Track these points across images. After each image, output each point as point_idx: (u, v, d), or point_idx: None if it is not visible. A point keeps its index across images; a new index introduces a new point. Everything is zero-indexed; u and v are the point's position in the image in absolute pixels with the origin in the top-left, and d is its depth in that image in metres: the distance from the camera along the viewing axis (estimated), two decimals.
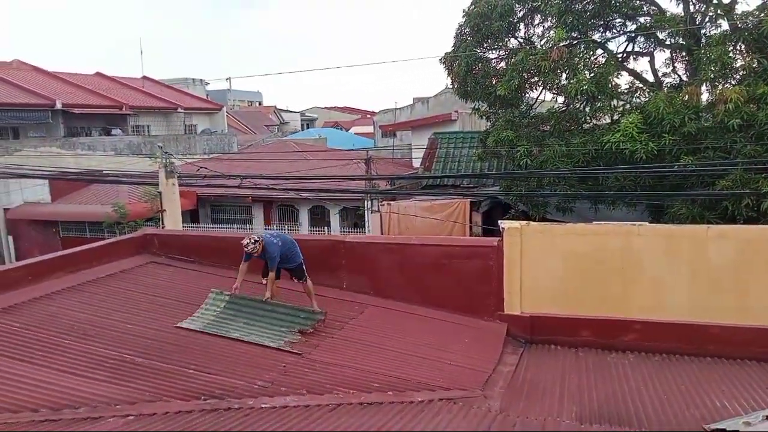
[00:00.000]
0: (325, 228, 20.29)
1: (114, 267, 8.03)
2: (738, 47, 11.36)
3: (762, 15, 10.68)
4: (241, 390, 5.19)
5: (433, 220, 15.54)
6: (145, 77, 37.07)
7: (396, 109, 32.75)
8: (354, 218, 20.70)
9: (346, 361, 6.16)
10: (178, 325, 6.46)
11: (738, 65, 11.11)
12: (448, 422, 5.05)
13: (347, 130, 44.07)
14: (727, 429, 5.26)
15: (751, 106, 9.99)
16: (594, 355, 7.40)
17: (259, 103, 57.64)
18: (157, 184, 13.31)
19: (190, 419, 4.65)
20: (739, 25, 11.27)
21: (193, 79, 42.63)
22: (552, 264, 7.93)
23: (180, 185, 13.70)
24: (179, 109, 34.37)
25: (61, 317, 6.31)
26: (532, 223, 8.52)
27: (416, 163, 22.58)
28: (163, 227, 12.61)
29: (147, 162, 19.36)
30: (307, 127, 50.53)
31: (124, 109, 30.68)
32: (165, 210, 12.70)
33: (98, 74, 36.04)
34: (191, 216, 21.95)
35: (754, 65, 10.69)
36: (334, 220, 20.80)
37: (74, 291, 7.09)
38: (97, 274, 7.66)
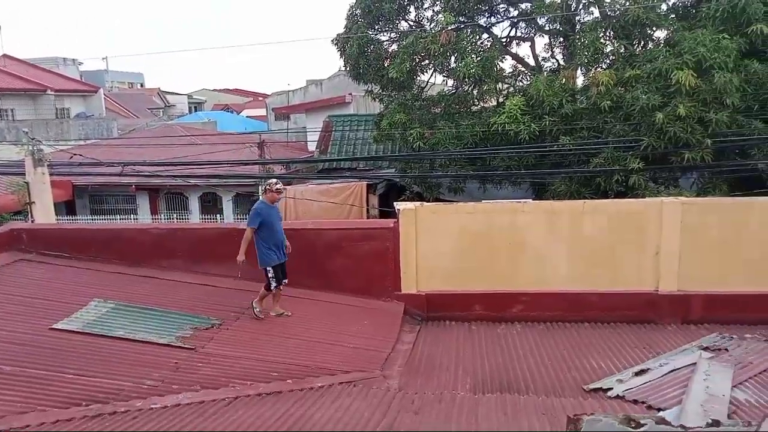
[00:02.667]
0: (218, 216, 19.54)
1: None
2: (608, 34, 12.22)
3: (627, 4, 11.57)
4: (128, 391, 4.88)
5: (330, 203, 15.47)
6: (5, 56, 33.40)
7: (289, 91, 32.10)
8: (249, 204, 20.11)
9: (243, 353, 6.00)
10: (53, 326, 5.93)
11: (608, 50, 11.96)
12: (349, 405, 5.07)
13: (238, 113, 42.58)
14: (603, 387, 5.75)
15: (620, 88, 10.81)
16: (485, 328, 7.76)
17: (141, 85, 53.97)
18: (24, 174, 12.08)
19: (70, 428, 4.30)
20: (609, 13, 12.15)
21: (64, 58, 39.07)
22: (445, 243, 8.17)
23: (52, 174, 12.54)
24: (49, 91, 31.39)
25: None
26: (426, 204, 8.72)
27: (311, 147, 22.31)
28: (32, 221, 11.50)
29: (14, 150, 17.53)
30: (195, 110, 48.18)
31: None
32: (34, 202, 11.57)
33: None
34: (67, 208, 20.24)
35: (622, 51, 11.57)
36: (227, 207, 20.08)
37: None
38: None
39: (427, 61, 13.99)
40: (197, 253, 8.26)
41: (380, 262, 8.12)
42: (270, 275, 6.94)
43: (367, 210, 15.93)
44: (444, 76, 14.65)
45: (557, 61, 14.45)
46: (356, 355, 6.34)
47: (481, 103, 14.13)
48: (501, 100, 13.25)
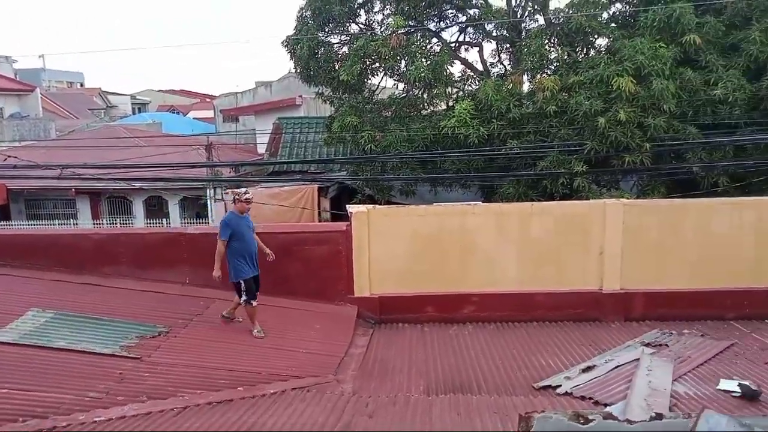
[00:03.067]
0: (164, 220, 18.97)
1: None
2: (552, 41, 12.58)
3: (570, 12, 11.95)
4: (69, 405, 4.66)
5: (281, 207, 15.27)
6: None
7: (238, 93, 31.55)
8: (196, 208, 19.63)
9: (192, 361, 5.83)
10: None
11: (553, 57, 12.31)
12: (302, 411, 5.01)
13: (185, 115, 41.52)
14: (552, 384, 5.90)
15: (564, 94, 11.14)
16: (438, 329, 7.83)
17: (81, 85, 51.82)
18: None
19: None
20: (553, 21, 12.52)
21: None
22: (398, 245, 8.20)
23: None
24: None
25: None
26: (378, 207, 8.73)
27: (261, 149, 21.99)
28: None
29: None
30: (139, 112, 46.70)
31: None
32: None
33: None
34: (1, 212, 19.22)
35: (566, 57, 11.93)
36: (174, 211, 19.53)
37: None
38: None
39: (377, 65, 14.01)
40: (142, 258, 7.99)
41: (333, 266, 8.08)
42: (242, 288, 6.69)
43: (319, 213, 15.82)
44: (395, 79, 14.72)
45: (504, 66, 14.76)
46: (309, 360, 6.28)
47: (432, 107, 14.27)
48: (451, 104, 13.42)
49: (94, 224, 18.91)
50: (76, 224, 18.76)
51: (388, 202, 13.17)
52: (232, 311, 6.96)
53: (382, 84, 15.40)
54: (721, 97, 10.14)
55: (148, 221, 18.96)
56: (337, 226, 8.43)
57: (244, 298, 6.68)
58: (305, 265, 8.00)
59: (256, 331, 6.67)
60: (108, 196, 19.92)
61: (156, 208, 20.06)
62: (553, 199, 10.33)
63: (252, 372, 5.70)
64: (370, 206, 8.49)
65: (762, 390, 5.44)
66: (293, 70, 16.74)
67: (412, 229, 8.25)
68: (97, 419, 4.51)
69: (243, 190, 7.08)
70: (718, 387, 5.68)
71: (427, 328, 7.91)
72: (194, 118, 37.72)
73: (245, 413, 4.87)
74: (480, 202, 9.57)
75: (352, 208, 8.25)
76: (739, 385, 5.48)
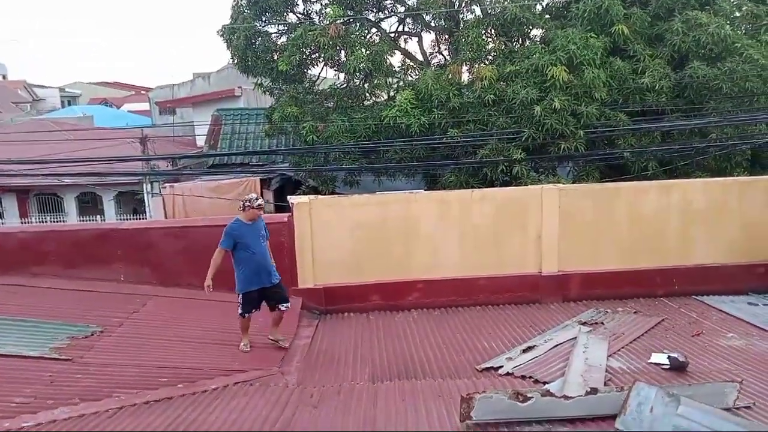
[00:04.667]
0: (99, 217, 18.19)
1: None
2: (489, 31, 12.77)
3: (506, 3, 12.17)
4: None
5: (223, 200, 14.91)
6: None
7: (174, 84, 30.51)
8: (133, 204, 18.92)
9: (129, 360, 5.62)
10: None
11: (490, 47, 12.51)
12: (245, 405, 4.91)
13: (119, 108, 39.85)
14: (494, 366, 6.03)
15: (501, 83, 11.35)
16: (383, 317, 7.87)
17: (3, 77, 48.85)
18: None
19: None
20: (489, 11, 12.71)
21: None
22: (341, 235, 8.17)
23: None
24: None
25: None
26: (320, 197, 8.66)
27: (200, 142, 21.39)
28: None
29: None
30: (69, 105, 44.46)
31: None
32: None
33: None
34: None
35: (502, 47, 12.16)
36: (109, 207, 18.75)
37: None
38: None
39: (317, 55, 13.86)
40: (73, 256, 7.64)
41: (275, 258, 7.94)
42: (239, 300, 6.25)
43: None
44: (335, 70, 14.60)
45: (444, 56, 14.90)
46: (253, 353, 6.17)
47: (373, 98, 14.25)
48: (392, 94, 13.44)
49: (22, 223, 17.92)
50: (2, 223, 17.72)
51: (332, 193, 13.09)
52: (275, 330, 6.47)
53: (323, 74, 15.26)
54: (648, 85, 10.59)
55: (82, 218, 18.14)
56: (278, 218, 8.31)
57: (239, 311, 6.24)
58: None
59: (243, 344, 6.23)
60: (36, 193, 18.91)
61: (90, 204, 19.22)
62: (494, 186, 10.54)
63: (193, 368, 5.55)
64: (312, 197, 8.41)
65: (689, 361, 5.74)
66: (231, 61, 16.34)
67: (355, 218, 8.23)
68: (24, 425, 4.27)
69: (254, 195, 6.44)
70: (649, 360, 5.95)
71: (372, 317, 7.93)
72: (129, 111, 36.26)
73: (185, 411, 4.73)
74: (422, 191, 9.66)
75: (293, 199, 8.16)
76: (669, 357, 5.76)
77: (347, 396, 5.24)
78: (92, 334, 5.96)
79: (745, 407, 4.67)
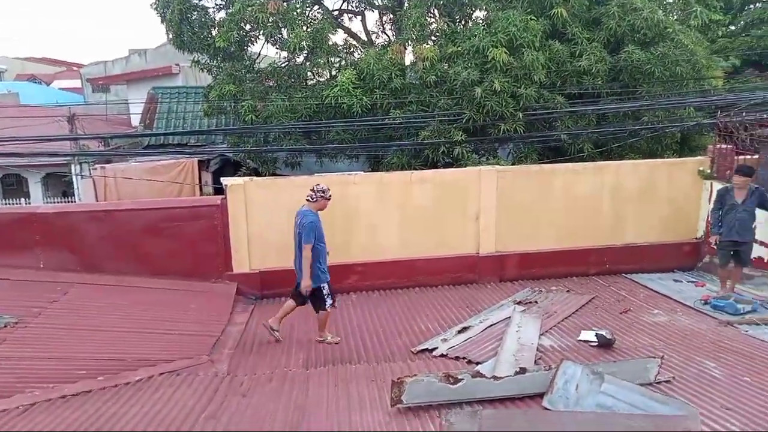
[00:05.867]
0: (24, 200, 17.18)
1: None
2: (432, 11, 12.64)
3: None
4: None
5: (159, 183, 14.31)
6: None
7: (108, 61, 29.04)
8: (62, 186, 17.97)
9: (45, 352, 5.30)
10: None
11: (433, 27, 12.38)
12: (170, 396, 4.72)
13: (48, 85, 37.67)
14: (429, 348, 6.04)
15: (444, 64, 11.28)
16: None
17: None
18: None
19: None
20: None
21: None
22: (279, 218, 7.95)
23: None
24: None
25: None
26: (256, 178, 8.41)
27: (135, 121, 20.48)
28: None
29: None
30: None
31: None
32: None
33: None
34: None
35: (445, 28, 12.07)
36: (36, 189, 17.73)
37: None
38: None
39: (257, 32, 13.40)
40: None
41: (208, 242, 7.70)
42: (325, 293, 6.22)
43: (201, 188, 15.05)
44: (277, 47, 14.17)
45: (388, 36, 14.70)
46: (181, 342, 5.94)
47: (317, 77, 13.93)
48: (334, 73, 13.17)
49: None
50: None
51: (273, 175, 12.79)
52: (278, 322, 6.40)
53: (264, 52, 14.80)
54: (585, 68, 10.74)
55: (6, 201, 17.10)
56: (212, 200, 8.03)
57: (329, 302, 6.23)
58: (178, 242, 7.55)
59: (332, 337, 6.32)
60: None
61: (14, 187, 18.14)
62: (437, 168, 10.51)
63: (116, 359, 5.29)
64: (247, 178, 8.15)
65: (615, 338, 5.91)
66: (167, 36, 15.61)
67: (293, 200, 7.97)
68: None
69: (324, 185, 6.37)
70: (579, 338, 6.10)
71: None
72: (59, 89, 34.34)
73: (104, 404, 4.50)
74: (361, 172, 9.53)
75: (226, 181, 7.88)
76: (596, 335, 5.91)
77: (279, 383, 5.12)
78: (5, 326, 5.58)
79: (665, 381, 4.84)
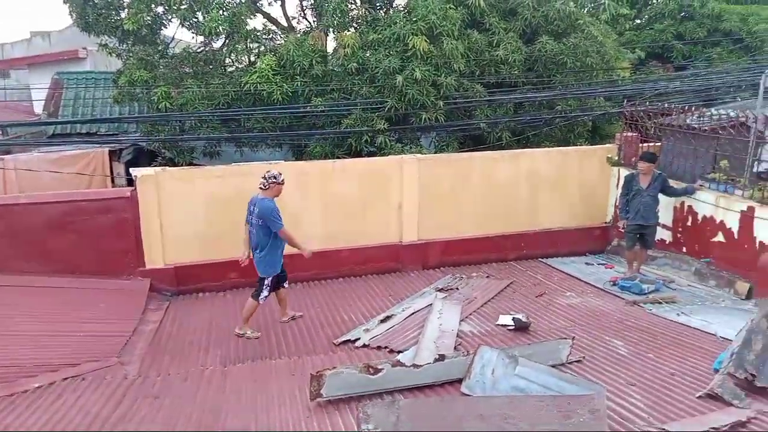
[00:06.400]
0: None
1: None
2: None
3: None
4: None
5: (67, 175, 13.39)
6: None
7: (6, 43, 26.85)
8: None
9: None
10: None
11: (354, 14, 12.25)
12: (73, 402, 4.43)
13: None
14: (351, 338, 6.00)
15: (365, 52, 11.19)
16: (242, 295, 7.53)
17: None
18: None
19: None
20: None
21: None
22: (195, 209, 7.67)
23: None
24: None
25: None
26: (168, 168, 8.03)
27: (38, 108, 19.05)
28: None
29: None
30: None
31: None
32: None
33: None
34: None
35: (366, 14, 11.97)
36: None
37: None
38: None
39: (170, 14, 12.76)
40: None
41: (118, 237, 7.29)
42: (266, 284, 6.24)
43: (113, 179, 14.23)
44: (193, 32, 13.57)
45: (309, 22, 14.41)
46: (89, 344, 5.60)
47: (236, 63, 13.47)
48: (253, 59, 12.78)
49: None
50: None
51: (191, 165, 12.29)
52: (285, 311, 6.61)
53: (179, 36, 14.14)
54: (502, 57, 10.97)
55: None
56: (120, 192, 7.61)
57: (264, 294, 6.21)
58: (84, 237, 7.11)
59: (251, 332, 6.22)
60: None
61: None
62: (361, 157, 10.44)
63: (11, 366, 4.90)
64: (159, 169, 7.77)
65: (531, 321, 6.11)
66: (70, 17, 14.58)
67: (210, 191, 7.75)
68: None
69: (276, 171, 6.36)
70: (497, 323, 6.26)
71: (230, 296, 7.59)
72: None
73: None
74: (282, 161, 9.31)
75: (136, 172, 7.48)
76: (513, 318, 6.08)
77: (194, 383, 4.93)
78: None
79: (576, 361, 5.05)
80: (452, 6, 11.00)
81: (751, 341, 4.47)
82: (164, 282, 7.45)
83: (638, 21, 16.58)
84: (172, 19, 12.96)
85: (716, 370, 4.57)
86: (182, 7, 11.77)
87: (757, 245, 6.93)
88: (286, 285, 6.62)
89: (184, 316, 6.75)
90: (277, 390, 4.70)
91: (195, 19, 12.85)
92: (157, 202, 7.39)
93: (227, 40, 12.63)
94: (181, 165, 12.01)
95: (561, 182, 9.07)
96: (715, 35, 14.72)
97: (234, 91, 11.56)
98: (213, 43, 12.84)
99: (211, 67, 12.78)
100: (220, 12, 11.96)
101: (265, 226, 6.16)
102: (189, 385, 4.87)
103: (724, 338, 5.37)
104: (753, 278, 6.82)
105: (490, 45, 11.22)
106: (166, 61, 13.16)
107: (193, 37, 14.24)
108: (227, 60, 13.13)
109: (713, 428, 3.78)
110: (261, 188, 6.27)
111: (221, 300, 7.39)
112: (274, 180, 6.27)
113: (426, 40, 10.44)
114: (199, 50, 13.12)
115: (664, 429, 3.81)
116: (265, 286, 6.23)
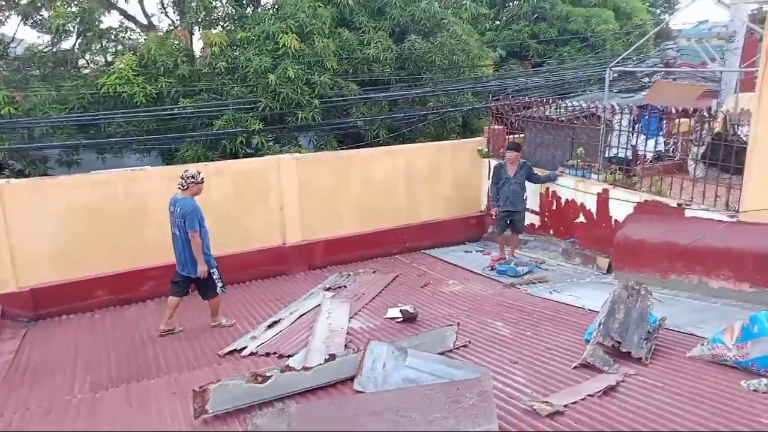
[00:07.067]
0: None
1: None
2: None
3: None
4: None
5: None
6: None
7: None
8: None
9: None
10: None
11: (220, 12, 11.78)
12: None
13: None
14: (237, 348, 5.73)
15: (234, 50, 10.80)
16: (112, 314, 6.97)
17: None
18: None
19: None
20: None
21: None
22: (51, 224, 6.93)
23: None
24: None
25: None
26: (14, 180, 7.18)
27: None
28: None
29: None
30: None
31: None
32: None
33: None
34: None
35: (232, 12, 11.57)
36: None
37: None
38: None
39: (8, 11, 11.49)
40: None
41: None
42: (216, 276, 6.17)
43: None
44: (38, 30, 12.32)
45: (171, 20, 13.65)
46: None
47: (93, 64, 12.42)
48: (110, 59, 11.86)
49: None
50: None
51: (45, 176, 11.11)
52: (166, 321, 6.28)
53: (22, 35, 12.76)
54: (373, 56, 11.12)
55: None
56: None
57: (220, 286, 6.22)
58: None
59: (226, 321, 6.40)
60: None
61: None
62: (237, 158, 10.06)
63: None
64: (4, 180, 6.92)
65: (418, 311, 6.23)
66: None
67: (67, 202, 7.04)
68: None
69: (196, 170, 6.14)
70: (386, 316, 6.30)
71: (98, 315, 6.96)
72: None
73: None
74: (149, 167, 8.69)
75: None
76: (401, 311, 6.16)
77: (60, 415, 4.42)
78: None
79: (462, 346, 5.21)
80: (321, 4, 10.96)
81: (614, 311, 4.88)
82: (19, 307, 6.65)
83: (497, 22, 17.63)
84: (11, 16, 11.73)
85: (587, 341, 4.93)
86: (22, 2, 10.63)
87: (613, 223, 7.63)
88: (186, 297, 6.41)
89: (46, 343, 6.06)
90: (157, 412, 4.35)
91: (39, 16, 11.72)
92: (3, 218, 6.57)
93: (79, 39, 11.63)
94: (33, 176, 10.84)
95: (437, 176, 9.37)
96: (564, 35, 16.04)
97: (90, 94, 10.66)
98: (62, 43, 11.77)
99: (62, 68, 11.70)
100: (68, 8, 11.00)
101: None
102: (53, 418, 4.36)
103: (591, 310, 5.82)
104: (611, 253, 7.49)
105: (361, 43, 11.33)
106: (7, 62, 11.87)
107: (38, 36, 12.97)
108: (81, 61, 12.11)
109: (588, 395, 4.07)
110: (180, 188, 6.04)
111: (88, 321, 6.75)
112: (193, 180, 6.04)
113: (297, 39, 10.30)
114: (46, 50, 11.94)
115: (548, 402, 4.02)
116: (216, 279, 6.21)
